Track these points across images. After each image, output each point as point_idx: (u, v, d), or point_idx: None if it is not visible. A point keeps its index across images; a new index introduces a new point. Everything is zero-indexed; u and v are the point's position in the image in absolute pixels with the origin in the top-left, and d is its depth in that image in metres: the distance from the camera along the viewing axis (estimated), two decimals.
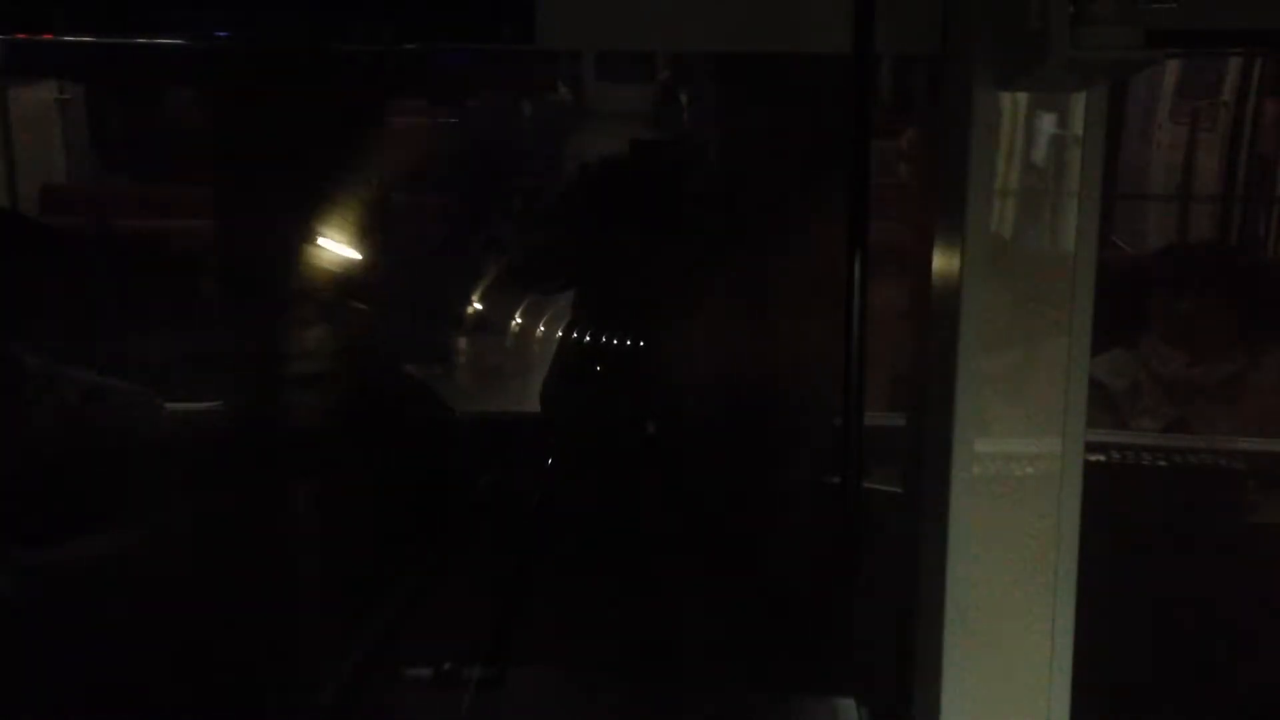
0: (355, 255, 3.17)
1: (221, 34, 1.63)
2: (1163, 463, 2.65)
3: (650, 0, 1.58)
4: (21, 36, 1.99)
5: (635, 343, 3.76)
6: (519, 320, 4.02)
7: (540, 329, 3.98)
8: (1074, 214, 1.41)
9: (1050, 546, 1.46)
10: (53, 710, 2.21)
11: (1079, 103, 1.39)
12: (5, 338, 2.45)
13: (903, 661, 1.65)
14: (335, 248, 3.03)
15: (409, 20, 1.62)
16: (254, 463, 2.74)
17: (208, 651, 2.38)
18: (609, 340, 3.73)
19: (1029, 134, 1.40)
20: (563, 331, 3.72)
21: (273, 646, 2.46)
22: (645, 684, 2.29)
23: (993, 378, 1.43)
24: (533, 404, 3.45)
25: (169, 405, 2.74)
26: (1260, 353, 3.09)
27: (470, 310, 4.08)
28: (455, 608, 2.70)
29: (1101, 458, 2.56)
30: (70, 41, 1.74)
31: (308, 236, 2.92)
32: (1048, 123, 1.40)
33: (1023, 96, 1.39)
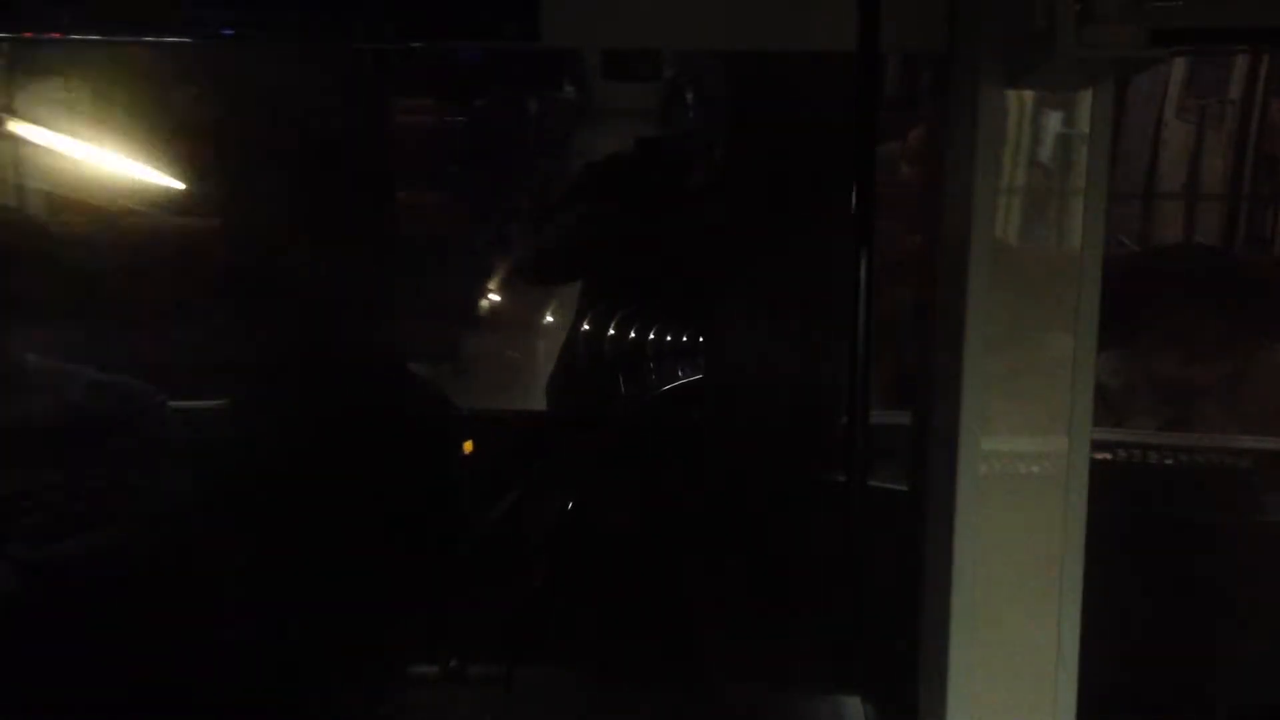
0: (361, 250, 3.17)
1: (226, 32, 1.63)
2: (1169, 461, 2.65)
3: None
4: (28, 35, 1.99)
5: (644, 336, 3.75)
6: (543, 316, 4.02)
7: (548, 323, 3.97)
8: (1080, 212, 1.41)
9: (1057, 545, 1.46)
10: (57, 710, 2.21)
11: (1085, 100, 1.39)
12: (7, 334, 2.46)
13: (908, 660, 1.65)
14: (341, 245, 3.03)
15: (413, 18, 1.62)
16: (259, 461, 2.74)
17: (212, 650, 2.38)
18: (617, 334, 3.73)
19: (1035, 132, 1.40)
20: (570, 326, 3.71)
21: (278, 645, 2.46)
22: (649, 681, 2.29)
23: (998, 376, 1.43)
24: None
25: (174, 403, 2.74)
26: (1258, 352, 3.08)
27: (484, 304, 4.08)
28: (460, 607, 2.70)
29: (1108, 455, 2.56)
30: (75, 40, 1.75)
31: (314, 234, 2.92)
32: (1054, 121, 1.40)
33: (1029, 94, 1.39)
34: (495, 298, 4.19)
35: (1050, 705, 1.50)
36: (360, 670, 2.34)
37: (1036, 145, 1.41)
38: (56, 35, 1.73)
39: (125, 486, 2.49)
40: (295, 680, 2.36)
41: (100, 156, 3.02)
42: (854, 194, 1.53)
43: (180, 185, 3.14)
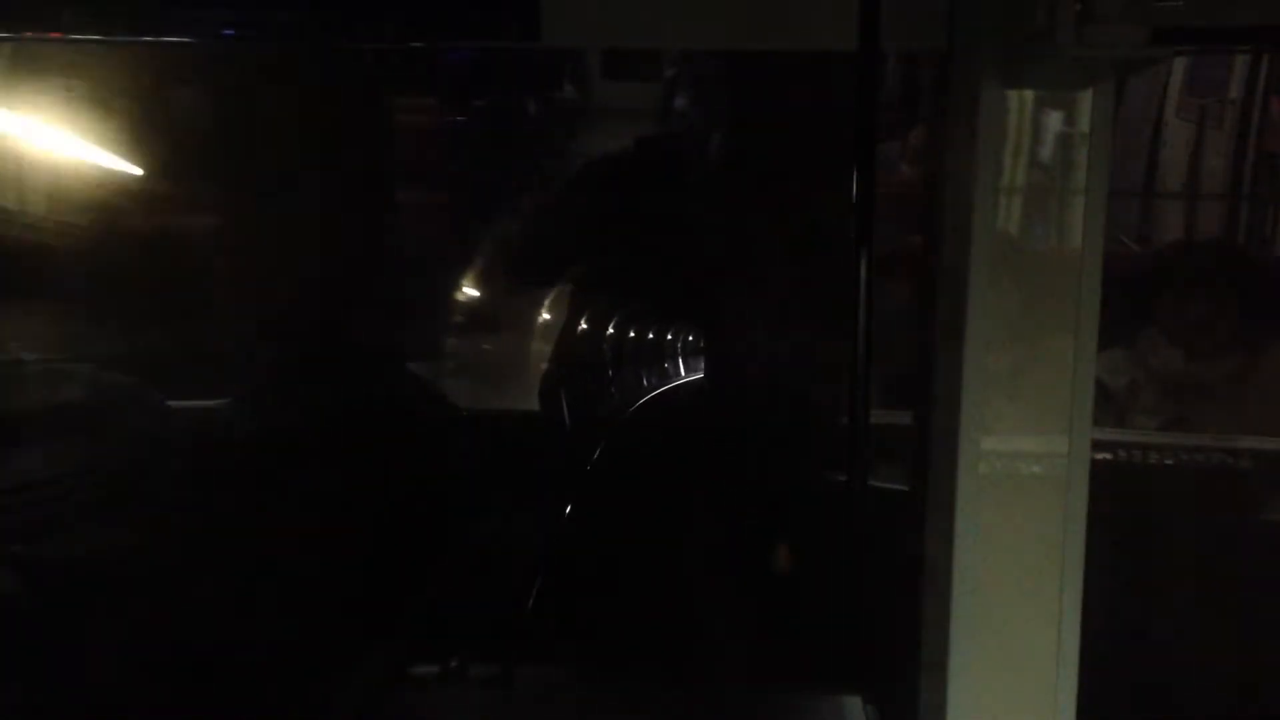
0: (362, 253, 3.16)
1: (227, 33, 1.63)
2: (1169, 461, 2.64)
3: None
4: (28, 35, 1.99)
5: (640, 336, 3.75)
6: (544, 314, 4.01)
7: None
8: (1080, 211, 1.41)
9: (1057, 545, 1.46)
10: (56, 711, 2.21)
11: (1085, 100, 1.39)
12: (6, 335, 2.46)
13: (909, 659, 1.65)
14: (339, 244, 3.03)
15: (413, 18, 1.62)
16: (259, 461, 2.74)
17: (209, 650, 2.38)
18: (613, 334, 3.72)
19: (1035, 131, 1.40)
20: (563, 329, 3.70)
21: (277, 645, 2.46)
22: (650, 681, 2.29)
23: (999, 375, 1.43)
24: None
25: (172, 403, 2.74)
26: (1261, 351, 3.08)
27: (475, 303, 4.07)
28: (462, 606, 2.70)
29: (1108, 455, 2.55)
30: (77, 40, 1.74)
31: (315, 234, 2.92)
32: (1054, 120, 1.40)
33: (1029, 94, 1.39)
34: (493, 297, 4.19)
35: (1050, 705, 1.49)
36: (360, 670, 2.34)
37: (1036, 145, 1.41)
38: (56, 35, 1.73)
39: (124, 484, 2.49)
40: (295, 680, 2.36)
41: None
42: (854, 193, 1.52)
43: None
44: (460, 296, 4.07)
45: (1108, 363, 2.97)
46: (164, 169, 3.03)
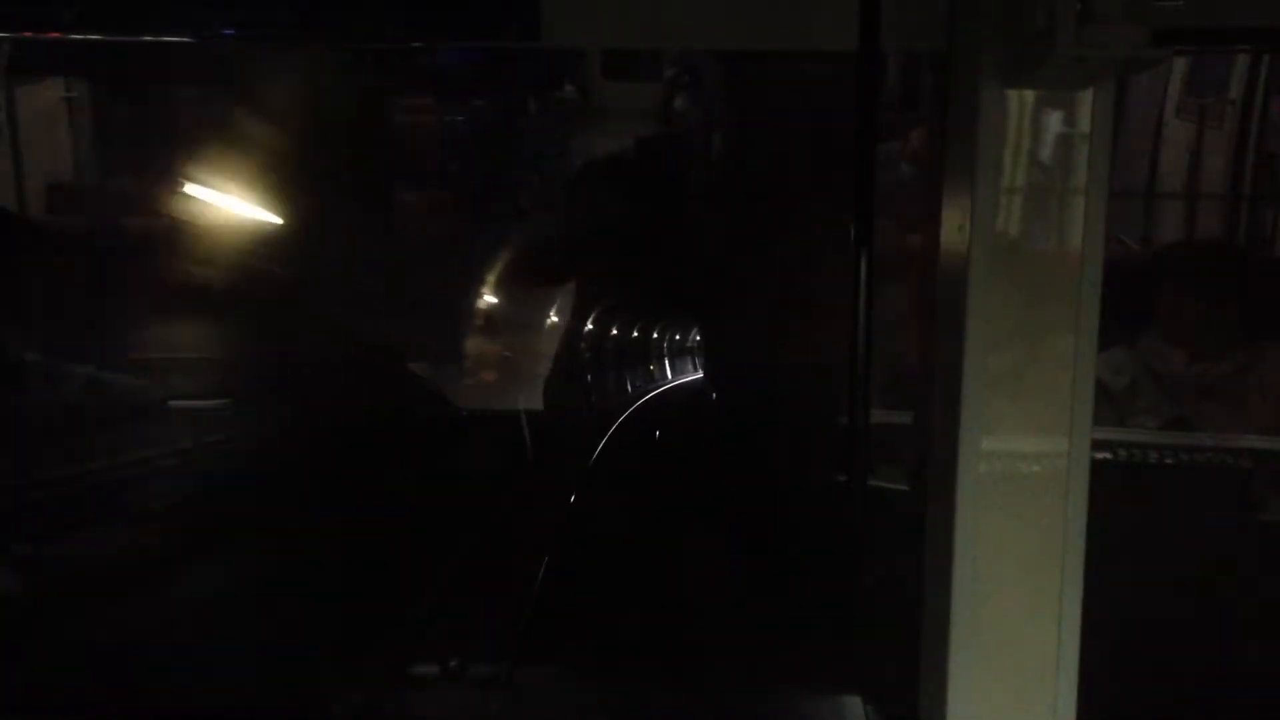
0: (363, 251, 3.16)
1: (227, 32, 1.63)
2: (1169, 460, 2.64)
3: None
4: (28, 35, 1.99)
5: (642, 336, 3.73)
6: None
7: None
8: (1080, 211, 1.41)
9: (1056, 544, 1.46)
10: (57, 708, 2.21)
11: (1086, 100, 1.39)
12: (6, 333, 2.46)
13: (908, 659, 1.65)
14: (342, 244, 3.03)
15: (413, 18, 1.62)
16: (259, 461, 2.74)
17: (211, 648, 2.38)
18: (616, 334, 3.71)
19: (1036, 131, 1.40)
20: (566, 329, 3.70)
21: (279, 643, 2.46)
22: (652, 681, 2.30)
23: (999, 375, 1.43)
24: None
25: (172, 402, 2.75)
26: (1261, 352, 3.08)
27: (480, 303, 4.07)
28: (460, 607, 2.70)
29: (1108, 455, 2.55)
30: (77, 40, 1.74)
31: (315, 234, 2.92)
32: (1054, 120, 1.40)
33: (1029, 94, 1.39)
34: (495, 298, 4.19)
35: (1050, 705, 1.49)
36: (360, 670, 2.34)
37: (1037, 144, 1.41)
38: (56, 35, 1.73)
39: (124, 484, 2.49)
40: (295, 680, 2.36)
41: None
42: (854, 193, 1.53)
43: None
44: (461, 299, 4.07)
45: (1108, 363, 2.97)
46: None
